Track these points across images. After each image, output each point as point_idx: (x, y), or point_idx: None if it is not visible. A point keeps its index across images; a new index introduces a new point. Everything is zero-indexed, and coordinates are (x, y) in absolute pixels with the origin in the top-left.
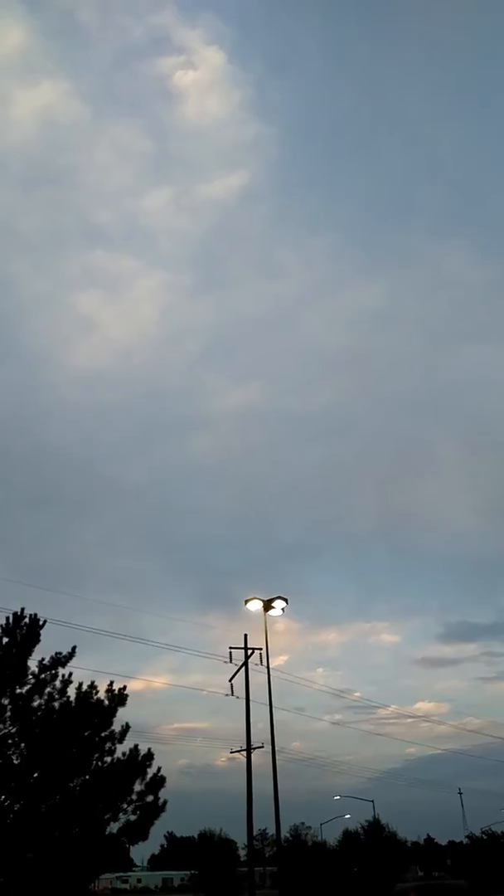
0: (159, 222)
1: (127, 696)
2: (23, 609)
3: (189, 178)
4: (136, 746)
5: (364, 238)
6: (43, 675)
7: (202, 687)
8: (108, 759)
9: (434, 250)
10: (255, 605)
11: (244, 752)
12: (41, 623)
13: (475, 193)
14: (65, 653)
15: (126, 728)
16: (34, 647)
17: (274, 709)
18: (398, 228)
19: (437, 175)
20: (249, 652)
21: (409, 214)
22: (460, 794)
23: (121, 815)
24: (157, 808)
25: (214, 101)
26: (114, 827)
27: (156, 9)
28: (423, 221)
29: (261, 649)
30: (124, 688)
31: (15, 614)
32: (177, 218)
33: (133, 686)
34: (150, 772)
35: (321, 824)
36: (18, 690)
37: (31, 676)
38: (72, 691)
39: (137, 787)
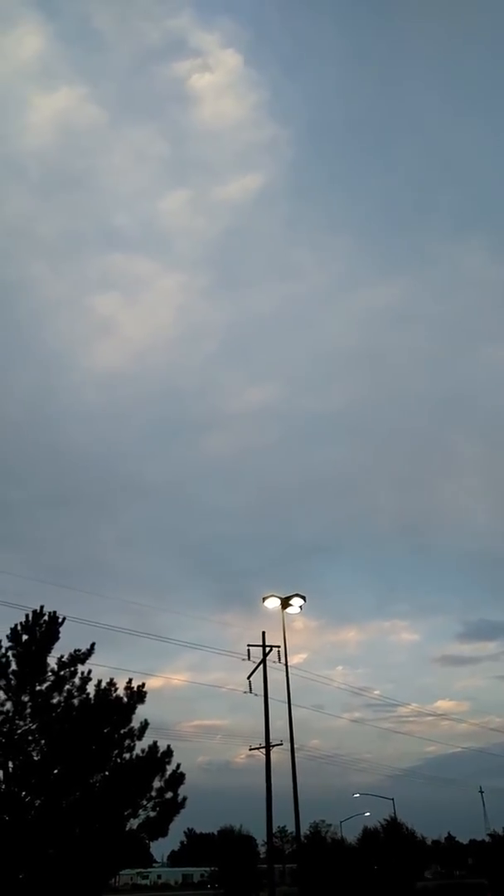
0: (176, 224)
1: (146, 693)
2: (42, 607)
3: (205, 180)
4: (155, 743)
5: (380, 238)
6: (62, 673)
7: (221, 684)
8: (128, 755)
9: (451, 250)
10: (273, 603)
11: (263, 750)
12: (60, 620)
13: (493, 193)
14: (84, 650)
15: (145, 725)
16: (53, 644)
17: (293, 706)
18: (415, 228)
19: (454, 175)
20: (267, 649)
21: (426, 214)
22: (481, 792)
23: (140, 811)
24: (176, 805)
25: (230, 103)
26: (133, 823)
27: (172, 13)
28: (440, 221)
29: (279, 647)
30: (143, 685)
31: (34, 612)
32: (193, 220)
33: (153, 683)
34: (170, 768)
35: (341, 822)
36: (38, 687)
37: (50, 673)
38: (91, 688)
39: (157, 783)
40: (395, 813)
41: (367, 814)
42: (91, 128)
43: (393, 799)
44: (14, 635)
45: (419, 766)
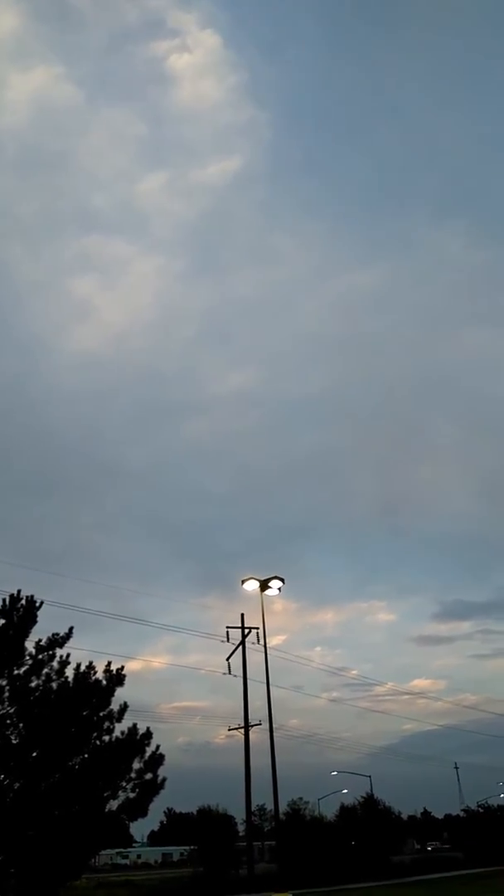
0: (154, 206)
1: (125, 675)
2: (19, 591)
3: (184, 162)
4: (134, 725)
5: (361, 223)
6: (40, 656)
7: (201, 666)
8: (107, 738)
9: (432, 234)
10: (252, 586)
11: (242, 730)
12: (38, 604)
13: (473, 177)
14: (62, 634)
15: (124, 707)
16: (31, 628)
17: (272, 687)
18: (396, 213)
19: (434, 159)
20: (247, 631)
21: (407, 198)
22: (456, 768)
23: (120, 792)
24: (155, 786)
25: (209, 84)
26: (113, 804)
27: None
28: (421, 205)
29: (258, 628)
30: (122, 668)
31: (12, 596)
32: (172, 202)
33: (133, 666)
34: (149, 750)
35: (319, 799)
36: (16, 671)
37: (28, 657)
38: (70, 672)
39: (136, 765)
40: (371, 790)
41: (345, 791)
42: (68, 107)
43: (370, 776)
44: None
45: (396, 743)
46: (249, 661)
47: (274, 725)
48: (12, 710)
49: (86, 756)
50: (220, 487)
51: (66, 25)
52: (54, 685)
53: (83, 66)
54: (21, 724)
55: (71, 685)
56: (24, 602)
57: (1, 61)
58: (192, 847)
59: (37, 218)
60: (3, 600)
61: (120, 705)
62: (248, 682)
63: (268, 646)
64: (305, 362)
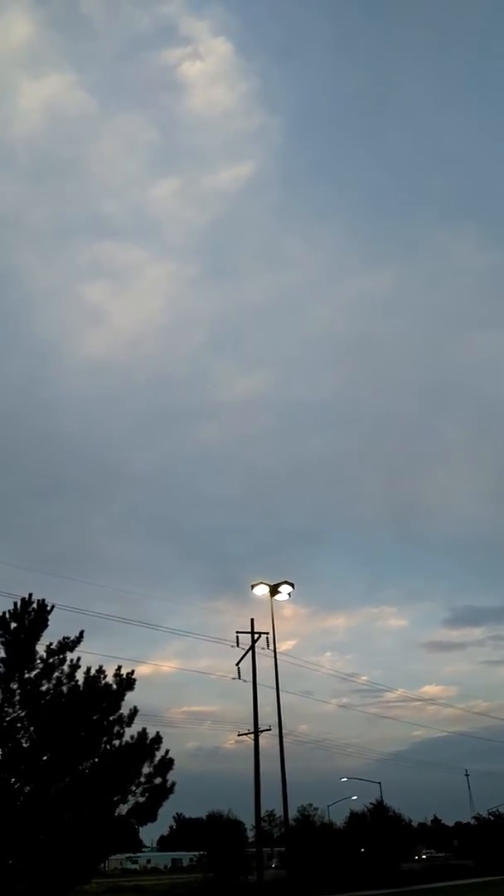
0: (166, 212)
1: (135, 680)
2: (31, 595)
3: (195, 168)
4: (144, 730)
5: (371, 226)
6: (51, 660)
7: (210, 671)
8: (117, 742)
9: (441, 238)
10: (262, 590)
11: (252, 735)
12: (49, 608)
13: (482, 180)
14: (73, 638)
15: (134, 712)
16: (42, 632)
17: (281, 692)
18: (405, 216)
19: (443, 162)
20: (256, 636)
21: (416, 202)
22: (467, 775)
23: (130, 797)
24: (165, 791)
25: (221, 91)
26: (123, 809)
27: None
28: (430, 209)
29: (268, 633)
30: (132, 672)
31: (23, 600)
32: (183, 208)
33: (142, 671)
34: (159, 755)
35: (328, 806)
36: (27, 675)
37: (39, 661)
38: (80, 676)
39: (146, 769)
40: (381, 796)
41: (355, 798)
42: (80, 115)
43: (380, 783)
44: (2, 623)
45: (406, 750)
46: (259, 665)
47: (283, 731)
48: (23, 714)
49: (96, 760)
50: (229, 491)
51: (78, 33)
52: (65, 689)
53: (95, 73)
54: (32, 728)
55: (81, 689)
56: (35, 606)
57: (14, 69)
58: (201, 852)
59: (49, 225)
60: (14, 604)
61: (130, 710)
62: (258, 687)
63: (277, 651)
64: (314, 366)
